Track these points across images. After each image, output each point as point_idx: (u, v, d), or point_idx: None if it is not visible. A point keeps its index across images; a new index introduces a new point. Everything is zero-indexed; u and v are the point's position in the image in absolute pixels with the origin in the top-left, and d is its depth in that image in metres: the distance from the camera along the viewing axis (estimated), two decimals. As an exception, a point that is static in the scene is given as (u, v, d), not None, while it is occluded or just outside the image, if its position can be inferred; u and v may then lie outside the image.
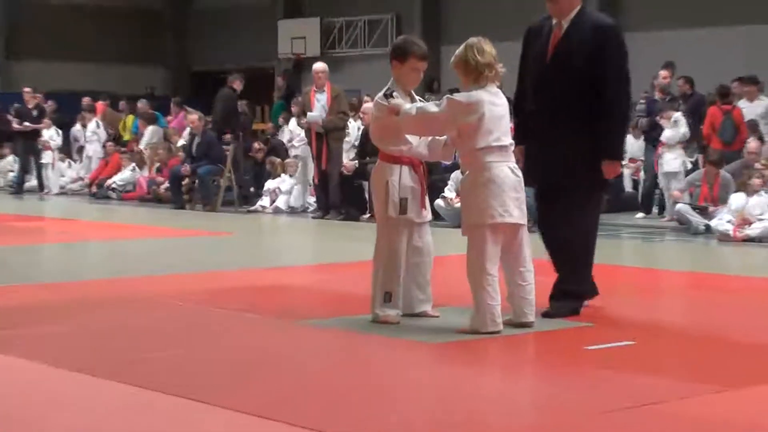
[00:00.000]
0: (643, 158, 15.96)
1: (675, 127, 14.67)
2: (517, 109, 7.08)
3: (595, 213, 6.94)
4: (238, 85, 18.46)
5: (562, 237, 6.78)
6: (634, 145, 16.15)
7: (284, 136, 18.79)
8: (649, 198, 15.43)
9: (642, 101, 15.42)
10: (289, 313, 6.85)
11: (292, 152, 17.93)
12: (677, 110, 14.83)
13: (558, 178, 6.74)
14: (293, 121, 17.94)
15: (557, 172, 6.73)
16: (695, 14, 20.88)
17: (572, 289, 6.82)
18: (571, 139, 6.66)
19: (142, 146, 20.93)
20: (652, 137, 15.14)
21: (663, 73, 15.60)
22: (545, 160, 6.78)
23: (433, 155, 6.59)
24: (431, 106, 6.33)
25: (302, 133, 16.86)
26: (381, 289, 6.41)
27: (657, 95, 15.49)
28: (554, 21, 6.82)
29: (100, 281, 8.51)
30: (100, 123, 22.49)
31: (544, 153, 6.77)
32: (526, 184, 6.35)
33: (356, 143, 16.31)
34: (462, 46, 6.32)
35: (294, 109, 18.38)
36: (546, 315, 6.60)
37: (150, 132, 21.59)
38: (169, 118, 22.45)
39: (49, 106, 23.38)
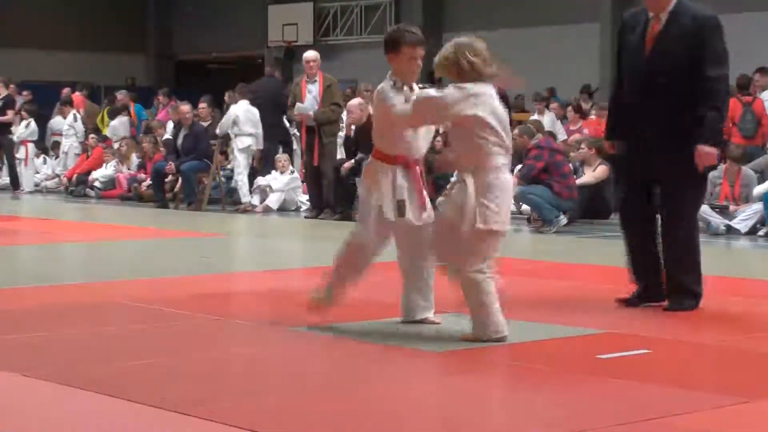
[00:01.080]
0: None
1: None
2: (615, 102, 7.51)
3: (698, 207, 7.48)
4: (279, 74, 18.48)
5: (680, 234, 7.21)
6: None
7: None
8: None
9: None
10: (282, 318, 6.86)
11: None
12: None
13: (660, 171, 7.18)
14: None
15: (658, 166, 7.16)
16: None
17: (690, 286, 7.23)
18: (672, 131, 7.08)
19: (113, 140, 21.04)
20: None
21: None
22: (646, 153, 7.18)
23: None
24: (432, 90, 6.34)
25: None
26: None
27: None
28: (651, 14, 7.18)
29: (79, 285, 8.52)
30: (78, 116, 22.49)
31: (644, 146, 7.18)
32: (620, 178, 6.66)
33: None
34: (450, 47, 6.25)
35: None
36: (669, 309, 7.15)
37: (111, 126, 21.68)
38: (149, 111, 22.52)
39: (24, 96, 23.37)
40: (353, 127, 15.84)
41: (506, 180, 6.17)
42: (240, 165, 17.33)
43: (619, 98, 7.44)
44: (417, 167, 6.51)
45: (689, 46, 7.06)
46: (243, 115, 17.31)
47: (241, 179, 17.30)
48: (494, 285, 6.12)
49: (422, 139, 6.51)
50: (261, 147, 17.77)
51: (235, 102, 17.87)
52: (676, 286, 7.25)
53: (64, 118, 22.50)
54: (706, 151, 7.04)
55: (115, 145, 20.81)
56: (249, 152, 17.45)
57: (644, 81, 7.16)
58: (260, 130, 17.61)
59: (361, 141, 15.01)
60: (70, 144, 22.11)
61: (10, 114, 21.61)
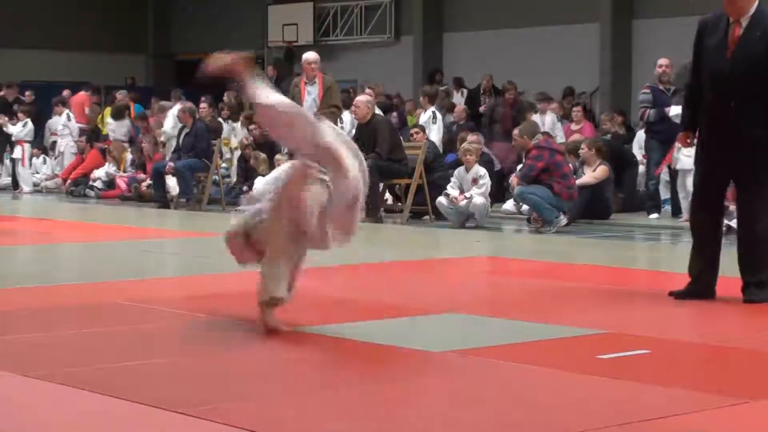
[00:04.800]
0: (645, 153, 15.88)
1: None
2: (692, 100, 7.79)
3: None
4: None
5: (757, 228, 7.49)
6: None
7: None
8: (656, 197, 15.38)
9: (646, 91, 15.34)
10: (281, 319, 6.86)
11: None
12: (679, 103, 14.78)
13: (737, 169, 7.48)
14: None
15: (736, 164, 7.46)
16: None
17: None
18: (752, 131, 7.36)
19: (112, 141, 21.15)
20: (658, 131, 15.02)
21: (662, 61, 15.46)
22: (724, 152, 7.48)
23: None
24: None
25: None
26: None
27: (661, 86, 15.35)
28: (731, 18, 7.48)
29: (79, 285, 8.52)
30: (72, 115, 22.49)
31: (723, 146, 7.47)
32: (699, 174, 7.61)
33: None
34: None
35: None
36: (748, 301, 7.44)
37: (114, 127, 21.78)
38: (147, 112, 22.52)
39: (27, 97, 23.37)
40: (356, 123, 15.86)
41: None
42: None
43: (695, 96, 7.72)
44: None
45: None
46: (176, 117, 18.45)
47: None
48: None
49: None
50: None
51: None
52: (754, 279, 7.51)
53: (60, 117, 22.53)
54: None
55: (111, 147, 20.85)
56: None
57: (727, 83, 7.44)
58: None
59: (362, 140, 15.02)
60: (66, 143, 22.11)
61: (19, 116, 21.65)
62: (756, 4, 7.50)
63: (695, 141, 7.76)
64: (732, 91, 7.42)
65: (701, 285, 7.64)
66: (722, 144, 7.49)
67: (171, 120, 18.68)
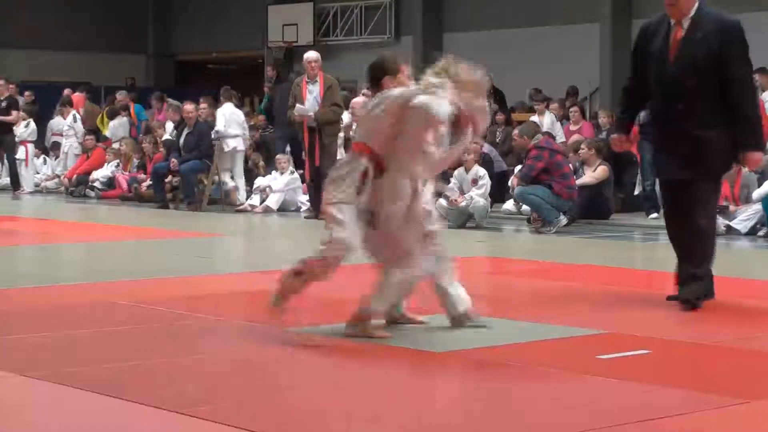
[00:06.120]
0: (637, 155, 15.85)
1: None
2: (627, 101, 7.77)
3: (716, 200, 7.76)
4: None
5: (698, 225, 7.39)
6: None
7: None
8: (653, 197, 15.35)
9: None
10: (286, 321, 6.85)
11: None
12: None
13: (686, 170, 7.36)
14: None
15: (686, 165, 7.33)
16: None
17: (704, 272, 7.44)
18: (699, 132, 7.26)
19: (112, 141, 21.09)
20: (649, 132, 14.89)
21: None
22: (674, 154, 7.40)
23: None
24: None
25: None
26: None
27: None
28: (672, 21, 7.38)
29: (79, 285, 8.52)
30: (78, 116, 22.48)
31: (673, 147, 7.40)
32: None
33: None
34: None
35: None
36: (682, 300, 7.30)
37: (111, 127, 21.72)
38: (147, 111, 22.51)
39: (26, 97, 23.33)
40: (354, 126, 15.82)
41: None
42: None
43: (632, 98, 7.68)
44: None
45: (713, 50, 7.26)
46: (228, 116, 17.56)
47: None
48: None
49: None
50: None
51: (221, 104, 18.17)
52: (690, 273, 7.44)
53: (64, 118, 22.48)
54: (755, 158, 7.41)
55: (115, 146, 20.79)
56: (234, 153, 17.67)
57: (671, 85, 7.34)
58: (246, 132, 18.05)
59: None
60: (70, 144, 22.07)
61: (14, 114, 21.55)
62: (696, 5, 7.38)
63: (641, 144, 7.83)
64: (677, 94, 7.31)
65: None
66: (675, 147, 7.40)
67: (221, 120, 17.97)
